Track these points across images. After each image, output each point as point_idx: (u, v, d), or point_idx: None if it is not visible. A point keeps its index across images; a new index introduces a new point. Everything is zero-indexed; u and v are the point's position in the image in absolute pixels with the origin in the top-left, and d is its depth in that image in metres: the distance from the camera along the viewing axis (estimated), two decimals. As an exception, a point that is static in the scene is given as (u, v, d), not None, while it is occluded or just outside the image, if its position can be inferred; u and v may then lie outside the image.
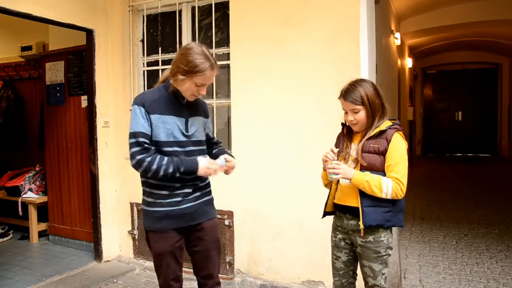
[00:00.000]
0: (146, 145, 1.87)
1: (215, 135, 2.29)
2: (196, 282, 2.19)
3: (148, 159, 1.86)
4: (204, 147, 2.10)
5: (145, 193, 2.04)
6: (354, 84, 1.93)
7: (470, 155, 11.68)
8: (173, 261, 2.02)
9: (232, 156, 2.12)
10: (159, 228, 1.98)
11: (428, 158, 11.63)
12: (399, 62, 7.72)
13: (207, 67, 1.84)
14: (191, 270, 2.20)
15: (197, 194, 2.04)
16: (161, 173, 1.87)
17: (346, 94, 1.93)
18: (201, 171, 1.92)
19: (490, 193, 6.67)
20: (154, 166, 1.85)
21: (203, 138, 2.10)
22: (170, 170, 1.87)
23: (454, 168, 9.70)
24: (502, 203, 5.91)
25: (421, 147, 12.07)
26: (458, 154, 11.88)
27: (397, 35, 6.87)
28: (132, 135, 1.88)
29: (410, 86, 10.03)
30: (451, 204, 5.92)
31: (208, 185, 2.15)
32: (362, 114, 1.91)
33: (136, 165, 1.88)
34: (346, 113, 1.98)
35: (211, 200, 2.15)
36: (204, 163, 1.92)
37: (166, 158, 1.89)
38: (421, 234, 4.56)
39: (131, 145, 1.88)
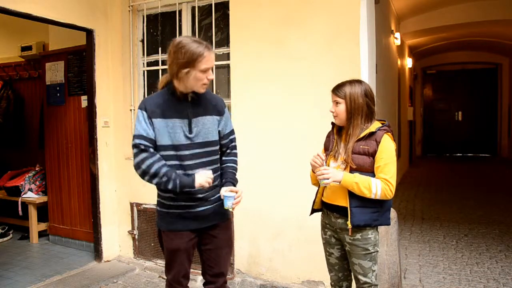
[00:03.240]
0: (143, 147, 1.89)
1: (231, 137, 2.15)
2: (196, 282, 2.19)
3: (148, 161, 1.87)
4: (215, 148, 2.04)
5: (159, 195, 2.05)
6: (347, 81, 2.03)
7: (470, 155, 11.69)
8: (186, 259, 2.04)
9: (234, 184, 2.08)
10: (174, 229, 2.00)
11: (428, 158, 11.64)
12: (399, 62, 7.72)
13: (203, 50, 1.84)
14: (193, 270, 2.20)
15: (214, 197, 2.04)
16: (156, 180, 1.88)
17: (335, 86, 2.04)
18: (197, 184, 1.89)
19: (490, 193, 6.67)
20: (153, 170, 1.87)
21: (214, 138, 2.03)
22: (164, 179, 1.88)
23: (454, 168, 9.70)
24: (502, 203, 5.91)
25: (421, 147, 12.07)
26: (458, 154, 11.88)
27: (397, 35, 6.88)
28: (134, 137, 1.93)
29: (410, 86, 10.03)
30: (451, 204, 5.92)
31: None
32: (341, 108, 1.99)
33: (137, 167, 1.91)
34: None
35: None
36: (199, 179, 1.89)
37: (165, 168, 1.88)
38: (421, 234, 4.56)
39: (132, 147, 1.93)
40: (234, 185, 2.07)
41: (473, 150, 11.74)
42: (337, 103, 2.00)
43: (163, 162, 1.90)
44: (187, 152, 1.94)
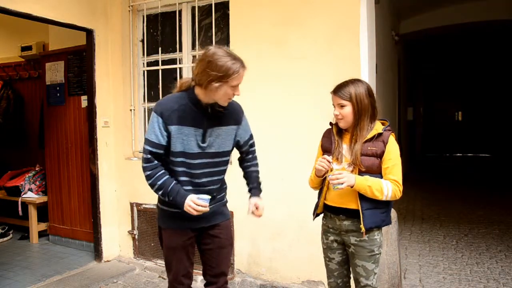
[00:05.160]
0: (149, 156, 1.90)
1: (250, 142, 2.16)
2: (196, 282, 2.19)
3: (148, 172, 1.90)
4: (225, 158, 2.03)
5: None
6: (347, 81, 1.96)
7: (470, 155, 11.70)
8: (185, 257, 2.04)
9: (259, 190, 2.19)
10: (174, 227, 2.01)
11: (428, 158, 11.64)
12: (399, 61, 7.72)
13: (239, 67, 1.81)
14: (193, 271, 2.20)
15: (215, 197, 2.03)
16: (154, 189, 1.93)
17: (337, 88, 1.96)
18: (185, 207, 1.86)
19: (490, 193, 6.67)
20: (150, 181, 1.91)
21: (227, 149, 2.01)
22: (160, 192, 1.91)
23: (454, 168, 9.70)
24: (502, 203, 5.91)
25: (421, 147, 12.08)
26: (458, 154, 11.89)
27: (397, 34, 6.88)
28: (145, 141, 1.93)
29: (410, 86, 10.03)
30: (451, 204, 5.92)
31: (225, 189, 2.15)
32: (347, 110, 1.91)
33: (143, 170, 1.94)
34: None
35: (226, 202, 2.16)
36: (188, 201, 1.85)
37: (163, 179, 1.89)
38: (421, 234, 4.56)
39: (143, 151, 1.94)
40: (260, 191, 2.18)
41: (473, 150, 11.75)
42: (341, 105, 1.92)
43: (162, 171, 1.90)
44: (197, 161, 1.93)
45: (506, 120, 10.99)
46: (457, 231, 4.61)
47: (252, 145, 2.18)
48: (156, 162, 1.91)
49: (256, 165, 2.22)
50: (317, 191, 2.14)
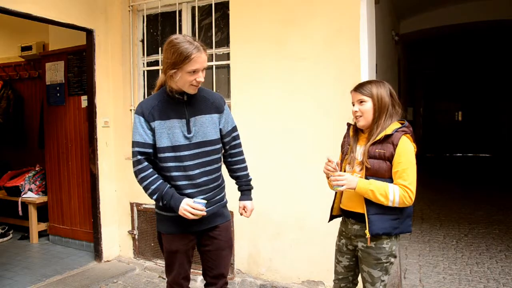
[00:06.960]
0: (139, 157, 1.89)
1: (233, 134, 2.13)
2: (196, 282, 2.19)
3: (142, 175, 1.90)
4: (214, 147, 2.00)
5: None
6: (369, 80, 1.95)
7: (470, 155, 11.71)
8: (185, 260, 2.03)
9: (250, 190, 2.19)
10: (173, 232, 1.99)
11: (428, 158, 11.64)
12: (399, 61, 7.72)
13: (192, 51, 1.79)
14: (193, 271, 2.20)
15: (214, 198, 2.02)
16: (147, 193, 1.91)
17: (358, 85, 1.93)
18: (180, 211, 1.86)
19: (490, 193, 6.67)
20: (143, 185, 1.91)
21: (213, 137, 1.99)
22: (154, 197, 1.90)
23: (454, 168, 9.70)
24: (502, 203, 5.91)
25: (421, 147, 12.09)
26: (458, 154, 11.89)
27: (397, 34, 6.87)
28: (132, 144, 1.93)
29: (410, 86, 10.03)
30: (451, 204, 5.92)
31: (223, 188, 2.13)
32: (368, 106, 1.87)
33: (135, 175, 1.94)
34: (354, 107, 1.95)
35: (226, 202, 2.14)
36: (184, 204, 1.85)
37: (157, 183, 1.88)
38: (421, 234, 4.56)
39: (132, 154, 1.94)
40: (250, 191, 2.18)
41: (473, 150, 11.76)
42: (361, 101, 1.88)
43: (155, 176, 1.90)
44: (186, 153, 1.92)
45: (506, 120, 10.99)
46: (457, 231, 4.61)
47: (236, 138, 2.14)
48: (146, 163, 1.90)
49: (243, 161, 2.18)
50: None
